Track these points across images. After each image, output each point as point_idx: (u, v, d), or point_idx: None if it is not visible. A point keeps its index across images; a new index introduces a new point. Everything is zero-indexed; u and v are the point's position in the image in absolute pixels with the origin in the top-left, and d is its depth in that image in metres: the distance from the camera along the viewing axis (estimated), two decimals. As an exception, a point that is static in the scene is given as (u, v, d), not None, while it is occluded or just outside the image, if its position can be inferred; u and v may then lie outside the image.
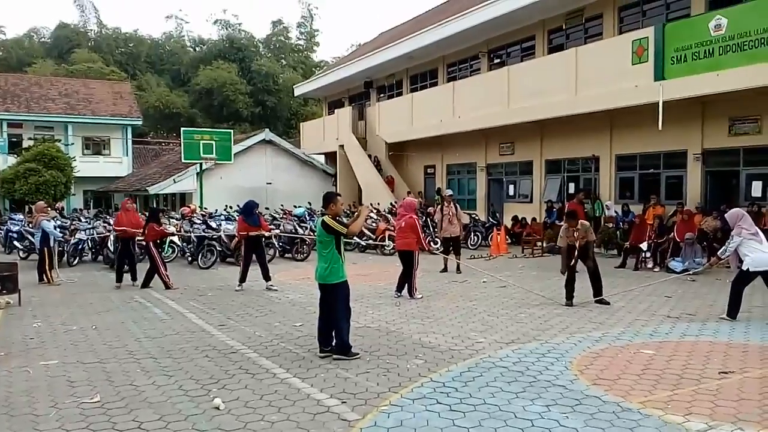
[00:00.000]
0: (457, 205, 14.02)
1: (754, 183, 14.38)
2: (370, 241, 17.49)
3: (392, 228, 17.41)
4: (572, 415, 4.75)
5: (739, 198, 14.66)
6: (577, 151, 18.67)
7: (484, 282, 11.67)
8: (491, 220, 20.09)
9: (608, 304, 9.17)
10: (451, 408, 4.92)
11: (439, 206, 14.36)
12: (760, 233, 8.07)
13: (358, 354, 6.47)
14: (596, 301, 9.26)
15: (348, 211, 21.12)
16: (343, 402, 5.12)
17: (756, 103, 13.83)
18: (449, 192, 15.14)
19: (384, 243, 17.01)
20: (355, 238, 17.89)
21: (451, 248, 13.47)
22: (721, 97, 13.90)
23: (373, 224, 18.39)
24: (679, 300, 9.63)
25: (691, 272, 11.33)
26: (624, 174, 17.62)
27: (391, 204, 23.01)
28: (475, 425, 4.56)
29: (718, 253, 8.75)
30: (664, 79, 14.37)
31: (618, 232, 15.76)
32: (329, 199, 6.70)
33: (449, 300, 9.88)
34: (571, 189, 19.00)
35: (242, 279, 11.21)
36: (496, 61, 22.42)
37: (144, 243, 11.88)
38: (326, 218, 6.54)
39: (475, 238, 18.38)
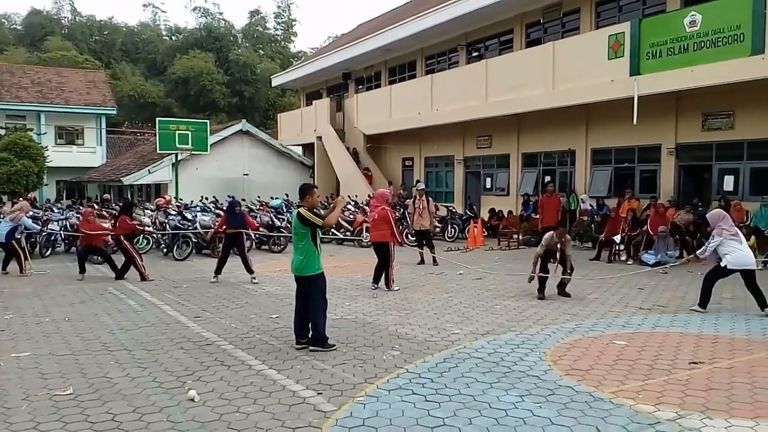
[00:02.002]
0: (431, 199, 14.11)
1: (725, 177, 14.66)
2: (348, 233, 17.49)
3: (369, 221, 17.45)
4: (545, 404, 4.81)
5: (711, 192, 14.92)
6: (554, 145, 18.84)
7: (460, 274, 11.74)
8: (468, 212, 20.18)
9: (569, 296, 9.26)
10: (427, 398, 4.96)
11: (413, 199, 14.43)
12: (740, 233, 8.25)
13: (334, 345, 6.47)
14: (560, 293, 9.35)
15: (325, 203, 21.09)
16: (319, 393, 5.13)
17: (729, 98, 14.06)
18: (422, 186, 15.19)
19: (360, 238, 17.02)
20: (332, 230, 17.87)
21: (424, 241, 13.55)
22: (695, 92, 14.13)
23: (351, 216, 18.38)
24: (652, 292, 9.80)
25: (666, 265, 11.52)
26: (599, 168, 17.81)
27: (369, 196, 23.00)
28: (449, 415, 4.60)
29: (697, 252, 8.87)
30: (640, 74, 14.55)
31: (593, 225, 15.96)
32: (306, 190, 6.70)
33: (426, 292, 9.92)
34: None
35: (218, 271, 11.14)
36: (475, 54, 22.49)
37: (114, 238, 11.76)
38: (302, 210, 6.52)
39: (452, 230, 18.46)
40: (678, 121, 15.50)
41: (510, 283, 10.68)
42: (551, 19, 19.15)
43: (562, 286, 9.42)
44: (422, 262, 13.24)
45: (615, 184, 17.23)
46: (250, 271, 11.07)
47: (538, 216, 16.69)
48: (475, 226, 17.13)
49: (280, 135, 32.89)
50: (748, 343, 6.59)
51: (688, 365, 5.81)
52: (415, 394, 5.07)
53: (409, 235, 15.71)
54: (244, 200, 22.41)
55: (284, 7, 60.82)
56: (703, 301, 8.18)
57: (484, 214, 20.25)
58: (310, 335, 6.53)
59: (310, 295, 6.51)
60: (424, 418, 4.56)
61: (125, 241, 11.47)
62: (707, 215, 8.89)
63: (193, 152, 25.63)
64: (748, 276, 8.02)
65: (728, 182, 14.54)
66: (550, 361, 5.98)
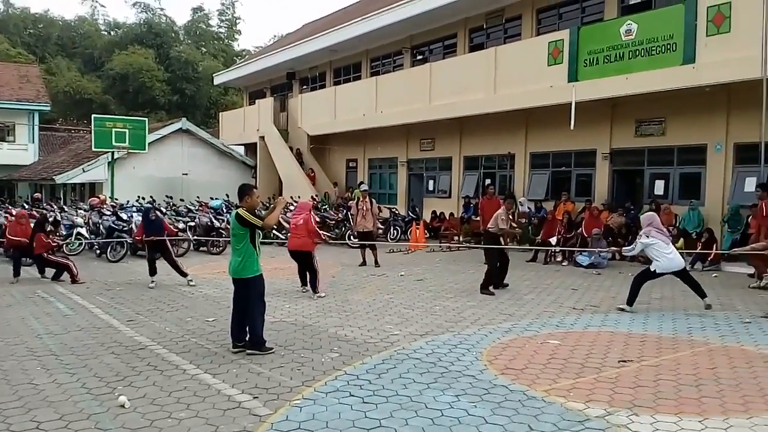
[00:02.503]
0: (374, 200, 14.13)
1: (656, 182, 15.22)
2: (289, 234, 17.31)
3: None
4: (480, 404, 4.88)
5: (643, 196, 15.48)
6: (494, 149, 19.17)
7: (401, 275, 11.81)
8: (411, 214, 20.34)
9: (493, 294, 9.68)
10: (364, 400, 4.96)
11: (356, 201, 14.44)
12: (668, 237, 8.57)
13: (272, 349, 6.39)
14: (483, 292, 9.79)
15: (266, 204, 20.83)
16: (254, 397, 5.06)
17: (661, 105, 14.61)
18: (364, 187, 15.23)
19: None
20: (274, 231, 17.67)
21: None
22: (629, 99, 14.63)
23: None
24: (585, 292, 10.09)
25: (599, 267, 11.88)
26: (537, 171, 18.23)
27: (311, 197, 22.87)
28: (386, 416, 4.61)
29: (623, 250, 9.23)
30: (578, 80, 14.98)
31: (530, 227, 16.31)
32: (245, 191, 6.57)
33: (367, 293, 9.93)
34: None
35: (151, 273, 10.78)
36: (419, 57, 22.68)
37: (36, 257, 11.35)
38: (241, 211, 6.39)
39: (395, 232, 18.56)
40: (613, 127, 16.01)
41: (450, 284, 10.82)
42: (494, 24, 19.49)
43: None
44: (364, 263, 13.25)
45: (552, 187, 17.65)
46: (182, 274, 10.75)
47: (478, 218, 16.94)
48: (418, 228, 17.27)
49: (222, 134, 32.34)
50: (674, 342, 6.86)
51: (617, 363, 6.00)
52: (353, 396, 5.06)
53: (352, 237, 15.70)
54: (182, 200, 22.02)
55: (228, 4, 59.72)
56: (631, 300, 8.48)
57: (427, 216, 20.44)
58: (247, 339, 6.43)
59: (249, 297, 6.40)
60: (361, 419, 4.56)
61: (49, 257, 11.10)
62: (640, 217, 9.23)
63: (130, 151, 24.91)
64: (680, 273, 8.38)
65: (659, 186, 15.11)
66: (486, 361, 6.07)
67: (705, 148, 14.09)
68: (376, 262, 13.11)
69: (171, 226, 12.30)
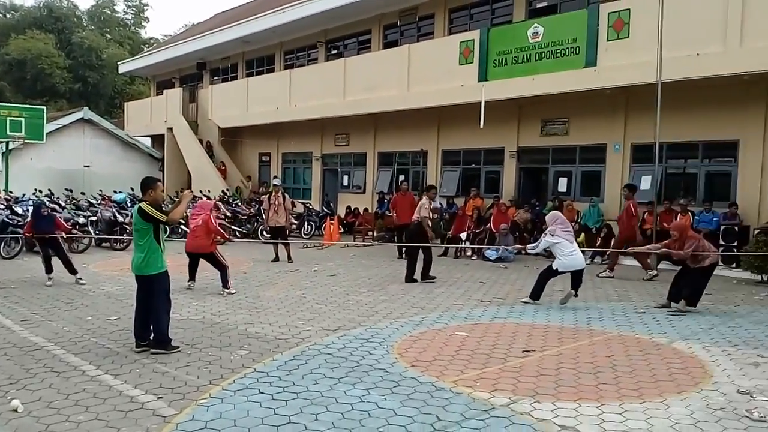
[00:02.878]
0: (287, 195, 13.94)
1: (560, 179, 15.92)
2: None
3: (222, 217, 16.98)
4: (390, 396, 4.94)
5: (547, 193, 16.13)
6: (408, 145, 19.42)
7: (315, 270, 11.76)
8: (325, 209, 20.29)
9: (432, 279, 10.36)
10: (273, 397, 4.90)
11: (268, 195, 14.20)
12: (572, 236, 8.87)
13: (178, 347, 6.20)
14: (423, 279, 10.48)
15: (173, 198, 20.23)
16: (159, 397, 4.89)
17: (565, 106, 15.28)
18: (278, 182, 14.98)
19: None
20: (182, 226, 17.16)
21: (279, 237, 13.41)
22: (536, 99, 15.21)
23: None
24: (492, 285, 10.41)
25: (506, 261, 12.28)
26: (449, 168, 18.61)
27: (222, 192, 22.37)
28: (296, 413, 4.58)
29: (528, 247, 9.50)
30: (487, 80, 15.41)
31: (441, 222, 16.61)
32: (148, 184, 6.26)
33: (279, 289, 9.81)
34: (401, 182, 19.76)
35: (47, 270, 10.15)
36: (334, 52, 22.61)
37: None
38: (144, 205, 6.11)
39: (309, 227, 18.45)
40: (520, 127, 16.58)
41: (363, 279, 10.87)
42: (408, 22, 19.71)
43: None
44: (277, 259, 13.09)
45: (463, 184, 18.09)
46: (72, 271, 10.13)
47: (392, 213, 17.14)
48: (332, 223, 17.25)
49: (127, 125, 31.02)
50: (575, 332, 7.20)
51: (521, 353, 6.23)
52: (262, 393, 4.99)
53: (264, 232, 15.46)
54: (83, 194, 20.96)
55: (135, -11, 57.29)
56: (536, 294, 8.77)
57: (341, 212, 20.44)
58: (151, 337, 6.21)
59: (153, 295, 6.18)
60: (270, 417, 4.51)
61: None
62: (546, 216, 9.58)
63: (26, 140, 23.44)
64: (577, 273, 8.66)
65: (562, 184, 15.82)
66: (397, 353, 6.15)
67: (605, 147, 14.87)
68: (288, 257, 12.99)
69: (66, 223, 11.64)
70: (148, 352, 6.09)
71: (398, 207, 13.80)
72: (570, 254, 8.55)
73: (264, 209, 14.25)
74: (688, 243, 8.24)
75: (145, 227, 6.11)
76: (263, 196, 18.64)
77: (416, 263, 10.53)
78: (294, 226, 17.21)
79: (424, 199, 10.94)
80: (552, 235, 8.64)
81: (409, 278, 10.42)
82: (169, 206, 6.72)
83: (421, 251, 10.58)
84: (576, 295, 8.72)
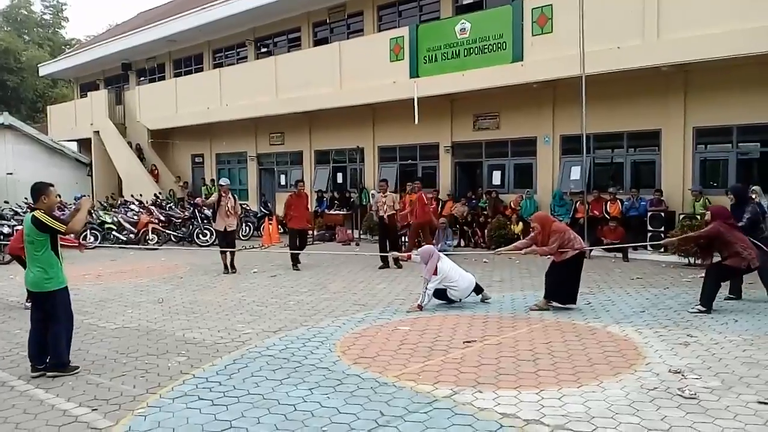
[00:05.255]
0: (235, 196, 12.71)
1: (494, 173, 16.22)
2: (132, 236, 16.35)
3: (156, 221, 16.53)
4: (333, 395, 4.91)
5: (483, 185, 16.40)
6: (344, 142, 19.35)
7: (254, 272, 11.57)
8: (263, 210, 19.99)
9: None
10: (214, 402, 4.79)
11: (215, 197, 12.56)
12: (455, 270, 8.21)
13: (77, 368, 5.69)
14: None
15: (105, 203, 19.54)
16: (93, 410, 4.71)
17: (495, 101, 15.55)
18: (225, 182, 13.66)
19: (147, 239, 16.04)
20: (113, 233, 16.65)
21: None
22: (467, 95, 15.42)
23: (135, 217, 17.22)
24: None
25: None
26: (386, 165, 18.66)
27: (155, 195, 21.74)
28: (237, 417, 4.50)
29: (422, 303, 8.08)
30: (419, 76, 15.53)
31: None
32: (40, 189, 5.64)
33: (217, 293, 9.61)
34: (339, 179, 19.71)
35: None
36: (264, 50, 22.29)
37: None
38: (38, 213, 5.53)
39: (247, 228, 18.14)
40: (453, 122, 16.78)
41: (305, 278, 10.77)
42: (337, 19, 19.63)
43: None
44: (228, 270, 11.85)
45: (400, 179, 18.17)
46: None
47: (331, 212, 17.30)
48: (270, 224, 17.01)
49: (51, 130, 29.73)
50: (514, 321, 7.35)
51: (462, 344, 6.31)
52: (202, 399, 4.88)
53: (200, 236, 15.02)
54: (6, 202, 19.96)
55: (52, -12, 54.85)
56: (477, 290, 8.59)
57: (279, 211, 20.16)
58: (47, 360, 5.63)
59: (55, 313, 5.60)
60: (211, 422, 4.41)
61: None
62: (419, 254, 8.54)
63: (-61, 148, 22.15)
64: (475, 290, 8.28)
65: (496, 177, 16.12)
66: (340, 351, 6.12)
67: (535, 140, 15.23)
68: (232, 263, 11.90)
69: None
70: (45, 377, 5.57)
71: (292, 208, 12.47)
72: (457, 282, 8.07)
73: (213, 212, 12.86)
74: (552, 237, 7.69)
75: (40, 238, 5.55)
76: (197, 198, 18.17)
77: (384, 249, 11.70)
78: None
79: (379, 195, 11.84)
80: (434, 274, 7.97)
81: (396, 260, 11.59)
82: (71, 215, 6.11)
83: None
84: (487, 299, 8.42)
